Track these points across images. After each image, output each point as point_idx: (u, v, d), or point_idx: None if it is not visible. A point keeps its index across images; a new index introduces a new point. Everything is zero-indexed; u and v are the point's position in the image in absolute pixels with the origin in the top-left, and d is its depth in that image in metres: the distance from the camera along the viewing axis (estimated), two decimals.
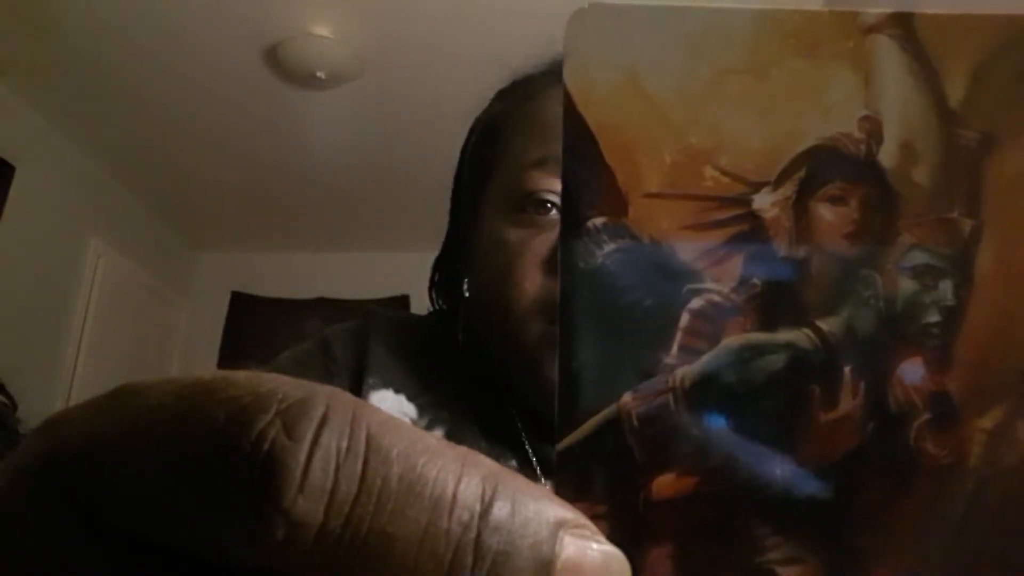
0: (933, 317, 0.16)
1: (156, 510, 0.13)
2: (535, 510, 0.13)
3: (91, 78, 2.84)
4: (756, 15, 0.16)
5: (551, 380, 0.54)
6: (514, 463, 0.57)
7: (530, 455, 0.58)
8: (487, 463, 0.13)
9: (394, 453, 0.13)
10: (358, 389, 0.56)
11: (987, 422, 0.16)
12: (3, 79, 2.80)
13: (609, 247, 0.16)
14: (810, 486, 0.16)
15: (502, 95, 0.66)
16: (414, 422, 0.56)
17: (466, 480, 0.13)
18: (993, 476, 0.15)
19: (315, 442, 0.12)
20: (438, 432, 0.56)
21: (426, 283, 0.68)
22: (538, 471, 0.57)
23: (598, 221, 0.16)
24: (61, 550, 0.13)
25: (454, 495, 0.13)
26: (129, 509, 0.13)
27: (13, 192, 2.92)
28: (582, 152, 0.16)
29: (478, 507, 0.13)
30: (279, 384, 0.13)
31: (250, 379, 0.13)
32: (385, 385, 0.57)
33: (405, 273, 3.51)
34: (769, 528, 0.16)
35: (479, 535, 0.12)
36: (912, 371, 0.16)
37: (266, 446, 0.12)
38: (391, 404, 0.56)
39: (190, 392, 0.13)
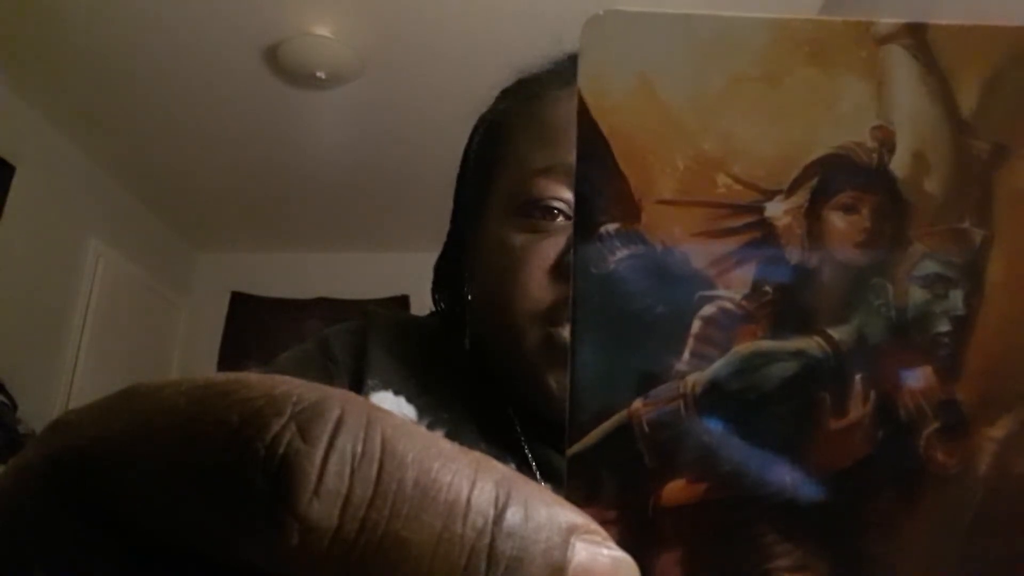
0: (943, 326, 0.16)
1: (167, 513, 0.13)
2: (547, 515, 0.13)
3: (92, 78, 2.83)
4: (769, 23, 0.16)
5: (553, 384, 0.54)
6: (513, 466, 0.57)
7: (529, 458, 0.58)
8: (500, 468, 0.13)
9: (409, 457, 0.13)
10: (358, 390, 0.56)
11: (997, 431, 0.16)
12: (3, 79, 2.80)
13: (622, 253, 0.16)
14: (819, 493, 0.16)
15: (506, 94, 0.65)
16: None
17: (480, 485, 0.13)
18: (1003, 485, 0.15)
19: (330, 446, 0.12)
20: (438, 434, 0.56)
21: (425, 283, 0.68)
22: (537, 475, 0.57)
23: (611, 227, 0.16)
24: (69, 551, 0.13)
25: (468, 500, 0.13)
26: (138, 511, 0.13)
27: (13, 192, 2.92)
28: (595, 158, 0.16)
29: (492, 512, 0.13)
30: (293, 387, 0.13)
31: (263, 381, 0.13)
32: (385, 387, 0.57)
33: (405, 273, 3.52)
34: (778, 535, 0.16)
35: (493, 540, 0.12)
36: (922, 380, 0.16)
37: (281, 449, 0.12)
38: (390, 406, 0.56)
39: (203, 394, 0.13)
